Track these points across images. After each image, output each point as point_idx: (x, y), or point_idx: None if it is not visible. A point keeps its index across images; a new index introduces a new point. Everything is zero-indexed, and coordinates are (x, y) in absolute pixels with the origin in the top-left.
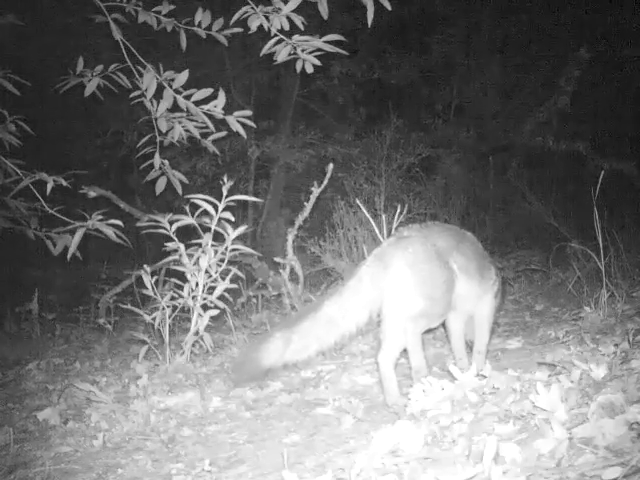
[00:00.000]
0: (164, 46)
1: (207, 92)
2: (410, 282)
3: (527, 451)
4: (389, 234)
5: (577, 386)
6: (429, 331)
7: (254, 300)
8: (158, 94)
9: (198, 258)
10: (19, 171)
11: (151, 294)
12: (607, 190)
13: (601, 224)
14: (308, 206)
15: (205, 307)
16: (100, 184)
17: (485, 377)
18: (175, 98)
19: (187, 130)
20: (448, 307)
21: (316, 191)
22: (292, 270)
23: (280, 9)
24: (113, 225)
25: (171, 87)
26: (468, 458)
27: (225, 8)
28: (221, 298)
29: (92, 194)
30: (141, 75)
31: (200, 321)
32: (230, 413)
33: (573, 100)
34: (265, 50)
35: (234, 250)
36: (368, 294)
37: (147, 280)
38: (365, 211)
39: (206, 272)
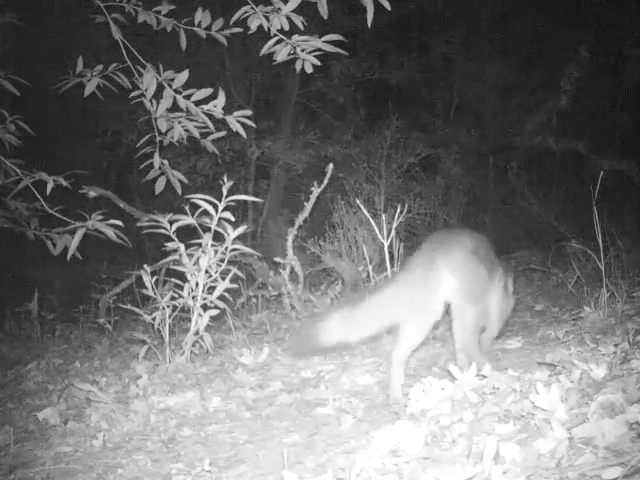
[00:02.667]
0: (164, 46)
1: (207, 92)
2: (458, 285)
3: (527, 451)
4: (389, 234)
5: (577, 386)
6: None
7: (254, 300)
8: (158, 94)
9: (198, 258)
10: (19, 171)
11: (151, 294)
12: (607, 190)
13: (601, 224)
14: (308, 206)
15: (205, 307)
16: (100, 184)
17: (485, 377)
18: (175, 98)
19: (187, 130)
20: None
21: (316, 191)
22: (292, 270)
23: (280, 9)
24: (113, 225)
25: (171, 87)
26: (468, 458)
27: (225, 8)
28: (221, 298)
29: (92, 194)
30: (141, 75)
31: (200, 321)
32: (230, 413)
33: (573, 100)
34: (265, 50)
35: (234, 250)
36: (416, 292)
37: (147, 280)
38: (365, 211)
39: (206, 272)
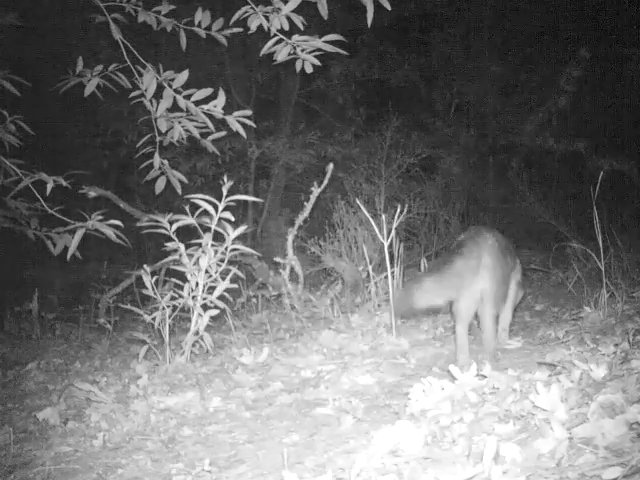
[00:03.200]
0: (164, 46)
1: (207, 92)
2: (491, 272)
3: (527, 451)
4: (389, 234)
5: (577, 386)
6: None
7: (254, 300)
8: (158, 94)
9: (198, 258)
10: (19, 171)
11: (151, 294)
12: (607, 190)
13: (601, 224)
14: (308, 206)
15: (205, 307)
16: (100, 184)
17: (485, 377)
18: (175, 98)
19: (187, 130)
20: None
21: (316, 191)
22: (292, 270)
23: (280, 9)
24: (113, 225)
25: (171, 87)
26: (468, 458)
27: (225, 8)
28: (221, 298)
29: (92, 194)
30: (141, 75)
31: (200, 321)
32: (230, 413)
33: (573, 100)
34: (265, 50)
35: (234, 250)
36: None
37: (147, 280)
38: (365, 211)
39: (206, 272)
